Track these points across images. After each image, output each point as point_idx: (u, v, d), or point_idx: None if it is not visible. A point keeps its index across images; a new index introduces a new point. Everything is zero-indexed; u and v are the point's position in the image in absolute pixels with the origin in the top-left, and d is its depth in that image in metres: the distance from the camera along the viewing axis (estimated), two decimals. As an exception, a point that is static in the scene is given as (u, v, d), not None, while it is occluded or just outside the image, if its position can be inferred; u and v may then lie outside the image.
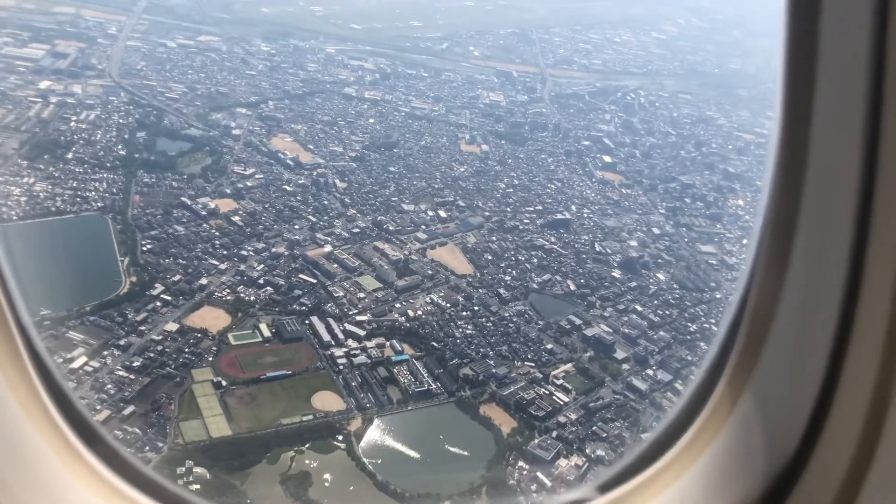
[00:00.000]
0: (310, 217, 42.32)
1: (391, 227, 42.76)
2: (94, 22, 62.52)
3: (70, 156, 43.56)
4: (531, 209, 47.09)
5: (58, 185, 40.86)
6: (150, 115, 50.00)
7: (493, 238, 43.73)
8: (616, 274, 42.27)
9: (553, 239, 44.45)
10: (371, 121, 55.25)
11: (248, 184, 44.29)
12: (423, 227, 43.51)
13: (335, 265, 38.96)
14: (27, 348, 3.55)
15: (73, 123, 46.86)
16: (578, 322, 37.90)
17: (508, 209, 46.93)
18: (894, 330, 2.72)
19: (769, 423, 3.38)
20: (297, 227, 41.38)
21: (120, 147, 45.44)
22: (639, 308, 39.72)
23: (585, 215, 47.49)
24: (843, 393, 3.00)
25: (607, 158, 55.08)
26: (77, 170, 42.44)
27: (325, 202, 43.94)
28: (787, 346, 3.27)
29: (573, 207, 48.17)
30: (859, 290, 2.86)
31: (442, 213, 44.94)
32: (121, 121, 48.32)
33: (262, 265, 37.90)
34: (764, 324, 3.31)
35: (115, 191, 41.35)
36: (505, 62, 71.44)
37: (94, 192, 40.87)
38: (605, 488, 3.75)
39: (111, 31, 61.87)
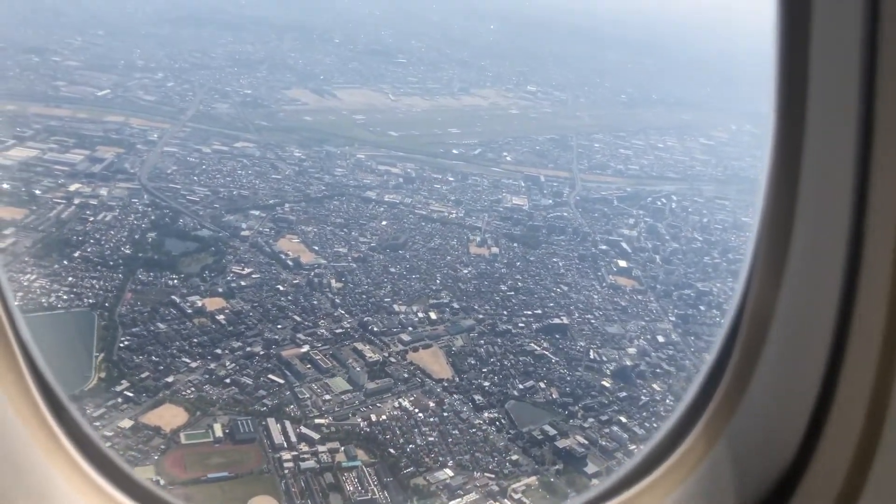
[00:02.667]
0: (295, 317, 42.24)
1: (376, 329, 42.17)
2: (138, 129, 66.16)
3: (77, 254, 45.14)
4: (529, 313, 45.83)
5: (56, 282, 42.25)
6: (165, 216, 51.78)
7: (482, 342, 42.55)
8: (606, 383, 40.28)
9: (546, 344, 42.92)
10: (384, 223, 55.68)
11: (243, 283, 44.82)
12: (410, 328, 42.78)
13: (308, 366, 38.49)
14: (26, 361, 3.70)
15: (89, 224, 48.86)
16: (553, 432, 35.95)
17: (505, 312, 45.80)
18: (892, 330, 2.76)
19: (768, 427, 3.43)
20: (280, 326, 41.32)
21: (127, 247, 46.92)
22: (623, 420, 37.54)
23: (587, 321, 45.85)
24: (842, 396, 3.04)
25: (623, 263, 53.56)
26: (79, 268, 43.91)
27: (315, 302, 43.93)
28: (786, 349, 3.30)
29: (575, 313, 46.64)
30: (856, 291, 2.91)
31: (432, 315, 44.17)
32: (135, 222, 50.14)
33: (233, 364, 37.79)
34: (762, 327, 3.35)
35: (110, 288, 42.45)
36: (537, 167, 71.57)
37: (89, 290, 42.03)
38: (602, 498, 3.81)
39: (152, 137, 65.21)
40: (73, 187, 53.50)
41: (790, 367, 3.29)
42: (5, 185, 52.98)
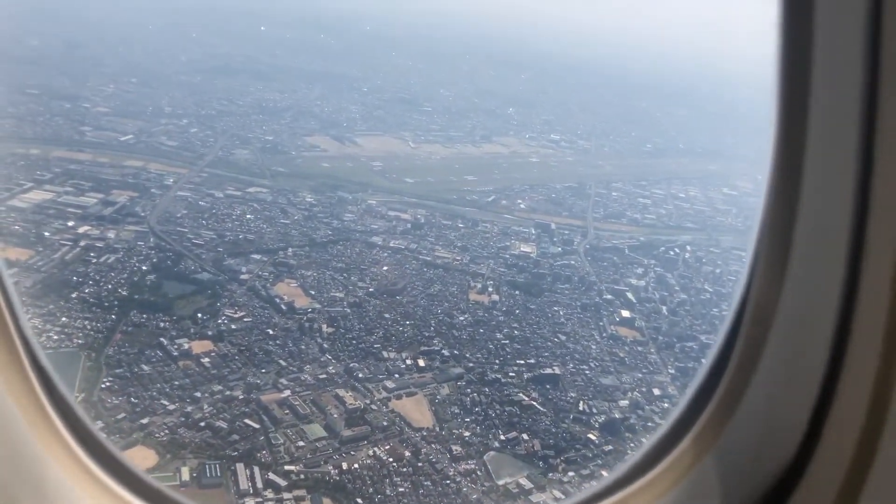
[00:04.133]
0: (281, 361, 42.04)
1: (361, 375, 41.71)
2: (155, 174, 67.36)
3: (74, 295, 45.71)
4: (522, 362, 44.92)
5: (49, 322, 42.75)
6: (167, 259, 52.31)
7: (468, 390, 41.75)
8: (593, 436, 39.13)
9: (535, 395, 41.98)
10: (385, 268, 55.48)
11: (233, 326, 44.82)
12: (396, 375, 42.20)
13: (286, 411, 38.13)
14: (28, 356, 3.68)
15: (91, 266, 49.56)
16: (529, 486, 34.94)
17: (497, 361, 44.96)
18: (893, 333, 2.77)
19: (766, 430, 3.42)
20: (263, 371, 41.14)
21: (124, 288, 47.41)
22: (605, 474, 36.27)
23: (581, 371, 44.81)
24: (842, 399, 3.05)
25: (626, 313, 52.40)
26: (74, 308, 44.45)
27: (303, 347, 43.69)
28: (786, 350, 3.32)
29: (570, 363, 45.61)
30: (857, 293, 2.93)
31: (420, 363, 43.58)
32: (137, 264, 50.72)
33: (211, 408, 37.60)
34: (763, 328, 3.38)
35: (101, 329, 42.80)
36: (551, 215, 70.89)
37: (80, 330, 42.46)
38: (594, 499, 3.81)
39: (168, 182, 66.35)
40: (81, 229, 54.46)
41: (790, 368, 3.29)
42: (16, 227, 54.11)
